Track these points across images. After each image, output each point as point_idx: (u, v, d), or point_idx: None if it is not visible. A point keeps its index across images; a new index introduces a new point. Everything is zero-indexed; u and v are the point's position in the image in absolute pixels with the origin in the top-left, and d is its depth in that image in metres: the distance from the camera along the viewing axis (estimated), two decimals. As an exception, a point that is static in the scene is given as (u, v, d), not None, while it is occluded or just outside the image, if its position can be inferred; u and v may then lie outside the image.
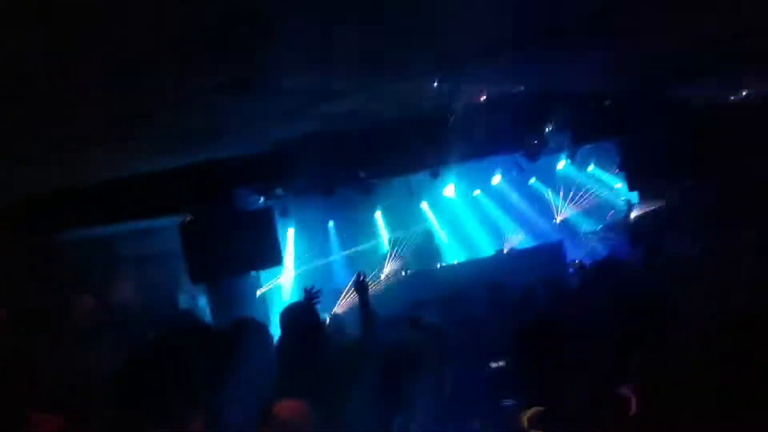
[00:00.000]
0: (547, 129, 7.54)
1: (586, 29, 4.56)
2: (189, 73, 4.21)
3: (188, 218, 8.24)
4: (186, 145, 6.52)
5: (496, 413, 3.41)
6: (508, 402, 3.60)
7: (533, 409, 2.64)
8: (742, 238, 7.52)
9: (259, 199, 8.44)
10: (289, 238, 11.90)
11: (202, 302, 9.27)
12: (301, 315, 3.73)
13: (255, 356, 3.14)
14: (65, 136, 5.09)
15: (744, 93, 8.55)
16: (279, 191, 7.97)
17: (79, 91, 4.13)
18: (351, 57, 4.39)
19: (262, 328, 3.33)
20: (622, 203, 13.00)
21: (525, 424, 2.61)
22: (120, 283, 9.13)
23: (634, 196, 11.43)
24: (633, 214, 11.41)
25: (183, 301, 9.61)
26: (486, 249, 13.45)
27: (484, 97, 6.64)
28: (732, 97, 8.55)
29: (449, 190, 13.54)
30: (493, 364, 3.82)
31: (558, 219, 14.32)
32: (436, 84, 5.71)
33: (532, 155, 8.80)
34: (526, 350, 3.01)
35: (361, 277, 4.21)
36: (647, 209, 11.02)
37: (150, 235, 9.53)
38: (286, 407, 2.67)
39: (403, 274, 11.08)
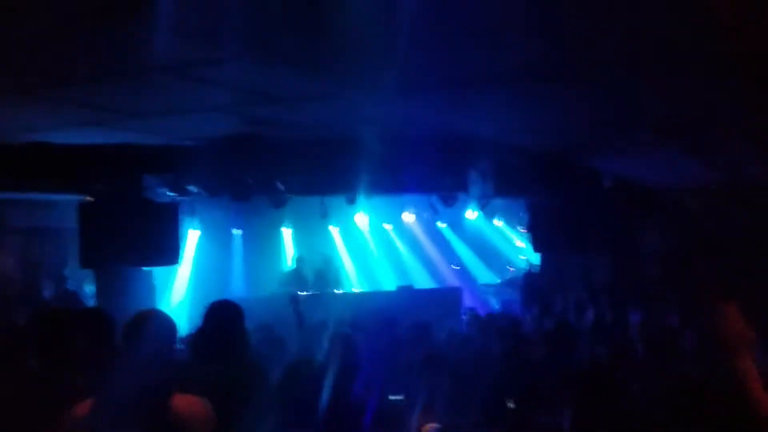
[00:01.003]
0: (470, 175, 7.69)
1: (529, 79, 4.69)
2: (123, 48, 4.02)
3: (88, 198, 7.85)
4: (99, 124, 6.22)
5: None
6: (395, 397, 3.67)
7: (429, 425, 2.73)
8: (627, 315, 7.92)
9: (168, 193, 8.14)
10: (191, 239, 11.57)
11: (88, 288, 8.83)
12: (229, 312, 3.62)
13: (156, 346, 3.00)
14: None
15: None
16: (192, 188, 7.70)
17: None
18: (298, 62, 4.34)
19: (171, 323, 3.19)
20: (523, 262, 13.44)
21: None
22: (3, 255, 8.59)
23: (535, 257, 11.83)
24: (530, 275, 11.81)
25: (69, 283, 9.11)
26: (386, 282, 13.54)
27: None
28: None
29: (361, 219, 13.61)
30: (392, 397, 3.81)
31: (458, 266, 14.64)
32: (373, 109, 5.74)
33: (448, 199, 8.96)
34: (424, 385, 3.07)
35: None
36: (545, 271, 11.42)
37: (44, 207, 9.03)
38: (186, 401, 2.57)
39: (301, 294, 10.93)
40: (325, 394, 2.70)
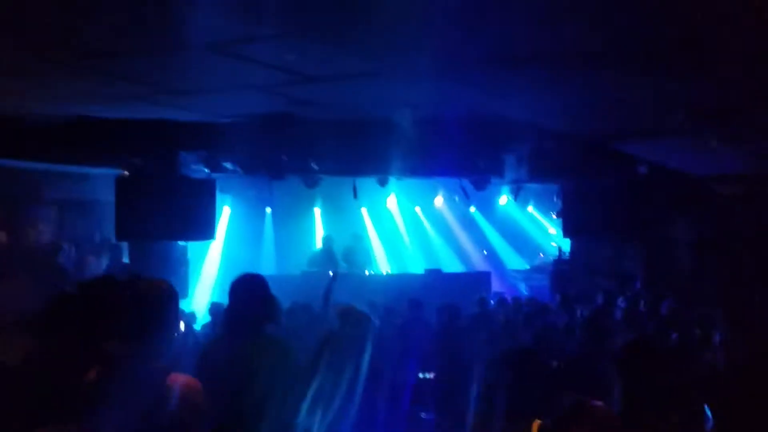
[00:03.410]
0: (504, 159, 7.66)
1: (565, 63, 4.65)
2: (162, 24, 4.07)
3: (126, 172, 8.00)
4: (137, 98, 6.31)
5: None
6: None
7: (537, 422, 2.74)
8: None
9: (204, 170, 8.26)
10: (224, 215, 11.70)
11: (123, 259, 9.01)
12: (253, 284, 3.60)
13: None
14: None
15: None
16: (227, 165, 7.80)
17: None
18: (334, 40, 4.35)
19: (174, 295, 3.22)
20: (554, 248, 13.36)
21: None
22: (40, 226, 8.79)
23: (566, 243, 11.76)
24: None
25: (104, 255, 9.29)
26: (415, 265, 13.56)
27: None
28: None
29: (391, 201, 13.63)
30: (422, 375, 3.84)
31: (487, 251, 14.60)
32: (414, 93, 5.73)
33: (481, 183, 8.95)
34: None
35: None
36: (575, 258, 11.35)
37: (78, 180, 9.20)
38: (181, 381, 2.62)
39: (331, 274, 10.99)
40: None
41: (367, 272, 11.76)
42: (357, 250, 12.09)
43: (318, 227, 13.20)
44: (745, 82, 5.15)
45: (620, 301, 8.01)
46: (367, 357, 3.45)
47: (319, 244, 12.63)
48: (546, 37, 4.09)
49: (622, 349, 3.30)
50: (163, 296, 2.74)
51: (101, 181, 8.68)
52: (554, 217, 12.53)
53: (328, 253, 11.66)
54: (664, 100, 5.75)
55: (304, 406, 3.17)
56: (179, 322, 2.79)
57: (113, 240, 8.69)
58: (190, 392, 2.63)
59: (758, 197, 9.18)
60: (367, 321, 3.79)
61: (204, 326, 7.50)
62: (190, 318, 7.46)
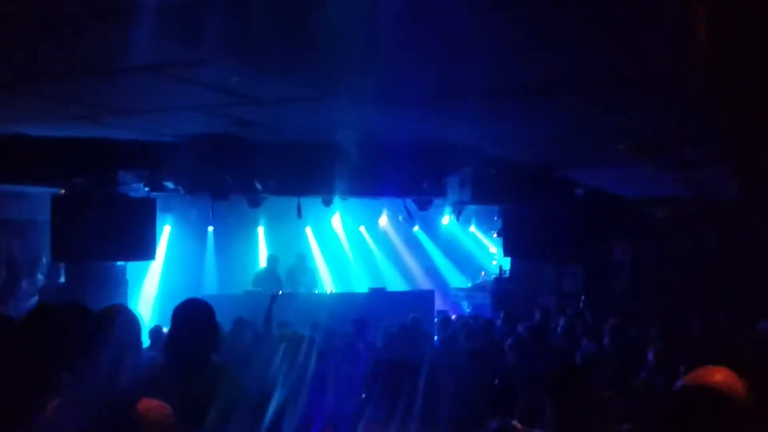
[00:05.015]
0: (448, 180, 7.77)
1: (504, 95, 4.77)
2: (104, 47, 4.01)
3: (62, 191, 7.80)
4: (77, 119, 6.18)
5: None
6: None
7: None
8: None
9: (144, 188, 8.11)
10: (165, 234, 11.50)
11: (60, 280, 8.75)
12: (199, 313, 3.48)
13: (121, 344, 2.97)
14: None
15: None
16: (169, 185, 7.68)
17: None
18: (277, 67, 4.37)
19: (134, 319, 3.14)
20: (494, 267, 13.56)
21: None
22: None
23: (507, 261, 11.96)
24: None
25: (39, 278, 9.01)
26: (359, 284, 13.57)
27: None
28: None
29: (336, 221, 13.64)
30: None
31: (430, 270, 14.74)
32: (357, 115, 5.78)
33: (424, 204, 9.06)
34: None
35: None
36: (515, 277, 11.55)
37: (17, 198, 8.92)
38: (154, 407, 2.55)
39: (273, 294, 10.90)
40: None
41: (311, 292, 11.71)
42: (301, 270, 12.03)
43: (261, 246, 13.09)
44: (677, 118, 5.38)
45: (559, 321, 8.17)
46: (309, 379, 3.44)
47: (262, 263, 12.52)
48: (486, 72, 4.20)
49: (551, 374, 3.39)
50: (116, 321, 2.67)
51: (39, 200, 8.44)
52: (495, 236, 12.74)
53: (272, 273, 11.57)
54: (602, 133, 5.95)
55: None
56: (140, 346, 2.71)
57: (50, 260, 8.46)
58: (161, 417, 2.55)
59: (688, 220, 9.56)
60: (306, 344, 3.77)
61: (145, 350, 7.32)
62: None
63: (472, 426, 3.86)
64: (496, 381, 5.47)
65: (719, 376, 2.41)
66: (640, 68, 4.08)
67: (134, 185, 8.09)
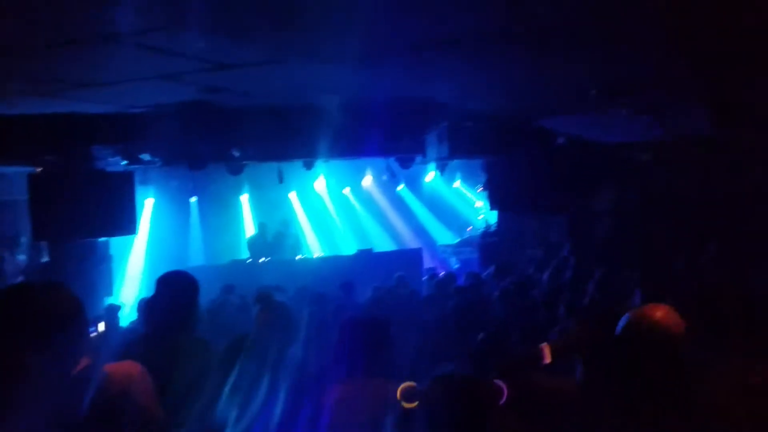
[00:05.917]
0: (426, 137, 7.71)
1: (481, 43, 4.71)
2: (71, 16, 3.90)
3: (39, 169, 7.68)
4: (47, 94, 6.04)
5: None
6: None
7: (406, 384, 2.79)
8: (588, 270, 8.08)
9: (121, 162, 8.00)
10: (147, 208, 11.42)
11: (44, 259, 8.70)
12: (181, 284, 3.48)
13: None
14: None
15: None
16: (145, 157, 7.58)
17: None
18: (258, 28, 4.26)
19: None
20: (481, 221, 13.60)
21: (398, 396, 2.78)
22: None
23: (492, 215, 11.98)
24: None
25: (22, 258, 8.96)
26: (347, 247, 13.59)
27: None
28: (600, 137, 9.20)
29: (319, 184, 13.58)
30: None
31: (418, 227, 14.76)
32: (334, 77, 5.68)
33: (406, 161, 9.01)
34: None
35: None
36: (502, 230, 11.59)
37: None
38: (121, 365, 2.53)
39: (261, 260, 10.92)
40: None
41: (297, 257, 11.73)
42: (286, 236, 12.02)
43: (247, 214, 13.05)
44: (650, 61, 5.33)
45: (545, 272, 8.22)
46: (289, 347, 3.43)
47: (249, 231, 12.51)
48: (462, 19, 4.12)
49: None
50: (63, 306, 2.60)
51: (18, 180, 8.33)
52: (479, 191, 12.75)
53: (261, 239, 11.57)
54: (577, 79, 5.90)
55: (221, 400, 3.13)
56: (86, 327, 2.65)
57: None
58: (125, 369, 2.52)
59: (666, 163, 9.57)
60: (283, 310, 3.74)
61: (131, 323, 7.33)
62: (113, 314, 7.29)
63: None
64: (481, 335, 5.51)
65: (660, 313, 2.45)
66: (609, 13, 4.02)
67: (111, 159, 7.98)
